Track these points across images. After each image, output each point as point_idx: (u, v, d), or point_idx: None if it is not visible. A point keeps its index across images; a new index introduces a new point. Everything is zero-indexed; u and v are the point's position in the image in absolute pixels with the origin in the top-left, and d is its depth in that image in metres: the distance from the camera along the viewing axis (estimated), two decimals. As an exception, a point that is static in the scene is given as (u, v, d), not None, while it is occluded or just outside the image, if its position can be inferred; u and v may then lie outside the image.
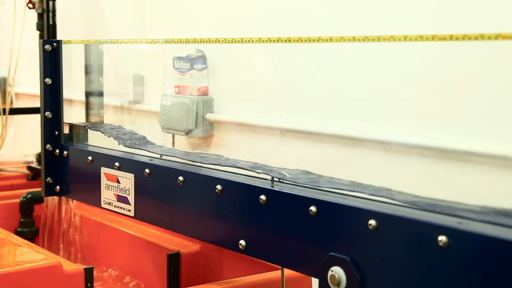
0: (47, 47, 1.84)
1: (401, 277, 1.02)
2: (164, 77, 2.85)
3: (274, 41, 1.31)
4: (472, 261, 0.93)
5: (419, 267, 0.99)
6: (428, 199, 1.04)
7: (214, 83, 2.66)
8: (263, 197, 1.25)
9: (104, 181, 1.69)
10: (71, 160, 1.83)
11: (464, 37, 0.99)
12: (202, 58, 2.66)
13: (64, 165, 1.85)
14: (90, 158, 1.74)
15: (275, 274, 1.65)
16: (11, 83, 3.39)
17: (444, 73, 1.81)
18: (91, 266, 1.72)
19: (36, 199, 2.48)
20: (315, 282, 1.31)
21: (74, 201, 2.41)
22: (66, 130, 1.88)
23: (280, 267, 1.46)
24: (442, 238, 0.95)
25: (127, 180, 1.62)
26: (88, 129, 1.87)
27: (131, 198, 1.61)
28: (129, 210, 1.62)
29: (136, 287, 2.12)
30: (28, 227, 2.47)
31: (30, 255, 1.75)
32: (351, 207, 1.10)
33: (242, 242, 1.31)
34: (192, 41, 1.56)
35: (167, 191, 1.51)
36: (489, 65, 1.68)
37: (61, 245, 2.46)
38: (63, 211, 2.48)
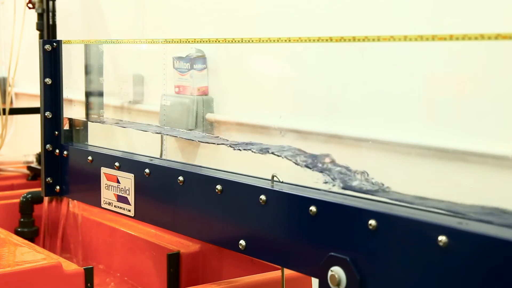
0: (47, 47, 1.84)
1: (401, 277, 1.02)
2: (164, 77, 2.85)
3: (274, 41, 1.31)
4: (472, 261, 0.93)
5: (419, 267, 0.99)
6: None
7: (214, 83, 2.66)
8: (263, 197, 1.25)
9: (104, 181, 1.69)
10: (71, 160, 1.83)
11: (464, 37, 0.99)
12: (202, 58, 2.66)
13: (64, 165, 1.85)
14: (90, 158, 1.74)
15: (275, 274, 1.65)
16: (11, 83, 3.39)
17: (445, 73, 1.81)
18: (91, 266, 1.72)
19: (36, 199, 2.48)
20: (315, 282, 1.31)
21: (74, 201, 2.41)
22: (66, 126, 1.88)
23: (280, 267, 1.46)
24: (442, 238, 0.95)
25: (127, 180, 1.61)
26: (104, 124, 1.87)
27: (131, 198, 1.61)
28: (129, 210, 1.62)
29: (136, 287, 2.12)
30: (28, 227, 2.47)
31: (30, 255, 1.74)
32: (351, 207, 1.10)
33: (242, 242, 1.31)
34: (192, 41, 1.56)
35: (167, 191, 1.51)
36: (489, 65, 1.68)
37: (61, 245, 2.46)
38: (63, 211, 2.48)
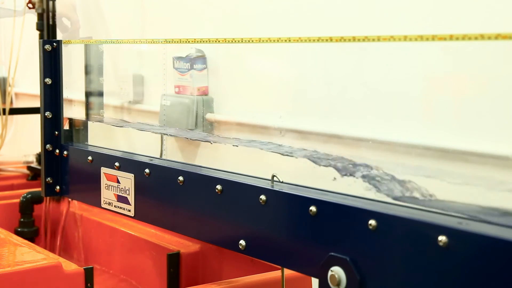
0: (47, 47, 1.84)
1: (401, 277, 1.02)
2: (164, 77, 2.85)
3: (274, 41, 1.31)
4: (472, 261, 0.93)
5: (419, 267, 0.99)
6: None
7: (214, 83, 2.66)
8: (263, 197, 1.25)
9: (104, 181, 1.69)
10: (71, 160, 1.83)
11: (464, 37, 0.99)
12: (202, 58, 2.66)
13: (64, 165, 1.85)
14: (90, 158, 1.74)
15: (275, 274, 1.64)
16: (11, 83, 3.39)
17: (445, 73, 1.81)
18: (91, 266, 1.72)
19: (36, 199, 2.48)
20: (315, 282, 1.31)
21: (74, 201, 2.41)
22: (66, 126, 1.88)
23: (280, 267, 1.46)
24: (442, 238, 0.95)
25: (127, 180, 1.61)
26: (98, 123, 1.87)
27: (131, 198, 1.61)
28: (129, 210, 1.62)
29: (136, 287, 2.12)
30: (28, 227, 2.47)
31: (30, 255, 1.74)
32: (351, 207, 1.10)
33: (242, 242, 1.31)
34: (192, 41, 1.56)
35: (167, 191, 1.51)
36: (489, 65, 1.68)
37: (61, 245, 2.46)
38: (63, 211, 2.48)
